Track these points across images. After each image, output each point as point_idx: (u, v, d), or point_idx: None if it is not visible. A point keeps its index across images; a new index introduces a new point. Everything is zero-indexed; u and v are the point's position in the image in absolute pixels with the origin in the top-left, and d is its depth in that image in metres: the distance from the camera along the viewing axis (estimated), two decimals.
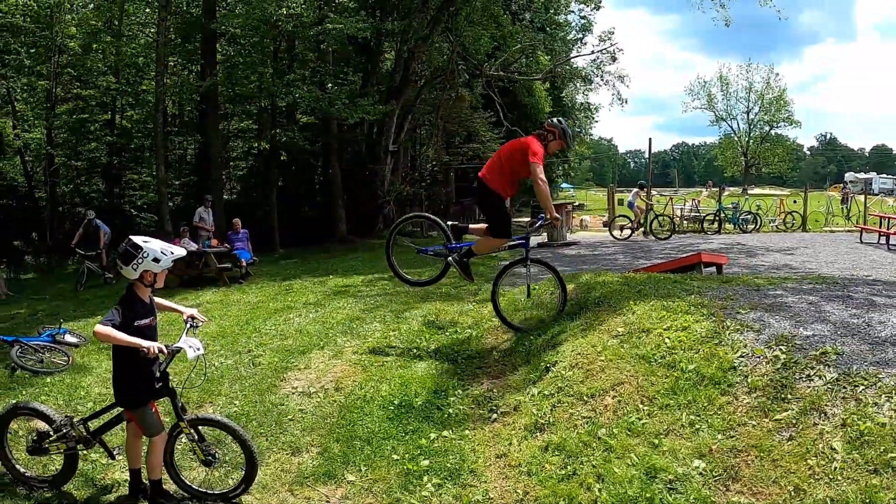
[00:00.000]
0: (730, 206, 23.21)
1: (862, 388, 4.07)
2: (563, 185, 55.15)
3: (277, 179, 25.13)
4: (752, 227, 21.68)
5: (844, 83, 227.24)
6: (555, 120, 6.97)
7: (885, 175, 65.26)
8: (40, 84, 25.85)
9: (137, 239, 4.44)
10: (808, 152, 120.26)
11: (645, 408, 4.70)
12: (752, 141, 79.07)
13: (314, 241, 24.25)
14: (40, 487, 4.77)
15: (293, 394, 6.38)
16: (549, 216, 6.96)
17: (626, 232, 20.79)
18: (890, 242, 15.44)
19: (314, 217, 26.71)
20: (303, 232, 25.63)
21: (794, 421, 4.07)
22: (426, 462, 4.90)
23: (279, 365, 7.17)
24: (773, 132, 79.24)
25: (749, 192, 41.99)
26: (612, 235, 20.76)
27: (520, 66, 29.41)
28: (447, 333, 7.87)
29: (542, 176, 6.54)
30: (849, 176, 60.29)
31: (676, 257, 11.54)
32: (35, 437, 4.80)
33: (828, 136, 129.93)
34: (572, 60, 33.25)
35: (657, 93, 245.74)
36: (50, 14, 22.98)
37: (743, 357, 4.81)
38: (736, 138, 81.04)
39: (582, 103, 48.10)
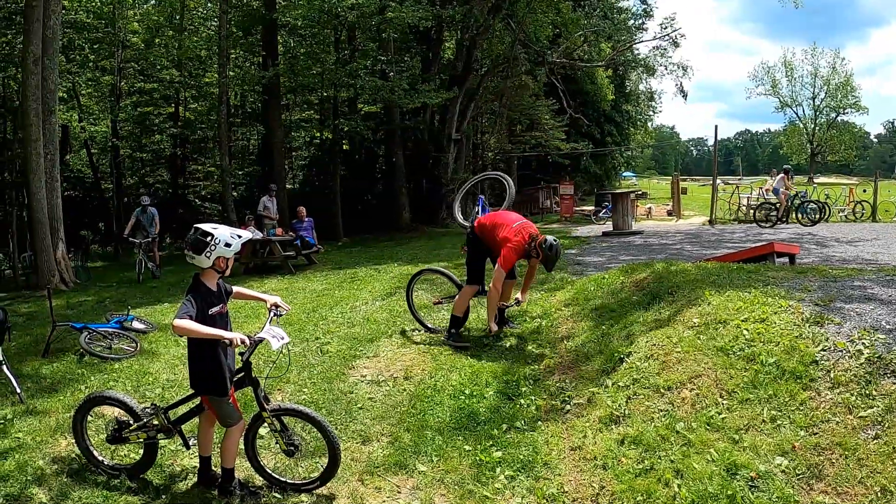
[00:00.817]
0: (797, 194, 22.37)
1: None
2: (625, 173, 54.30)
3: (340, 168, 25.34)
4: (820, 216, 20.81)
5: None
6: (545, 245, 7.02)
7: None
8: (105, 79, 26.56)
9: (205, 226, 4.36)
10: (874, 140, 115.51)
11: (724, 402, 4.56)
12: (818, 128, 76.37)
13: (377, 229, 24.44)
14: (118, 475, 4.74)
15: (362, 382, 6.39)
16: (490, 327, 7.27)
17: (771, 219, 19.91)
18: None
19: (377, 205, 26.93)
20: (365, 220, 25.84)
21: (879, 419, 3.89)
22: (498, 454, 4.83)
23: (347, 353, 7.20)
24: (839, 118, 76.43)
25: (815, 180, 40.43)
26: (758, 224, 19.74)
27: (582, 54, 28.97)
28: (516, 323, 7.80)
29: (499, 284, 6.99)
30: None
31: (748, 247, 11.21)
32: (115, 426, 4.78)
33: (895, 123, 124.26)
34: (634, 47, 32.60)
35: (720, 79, 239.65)
36: (112, 10, 23.57)
37: (824, 351, 4.62)
38: (801, 125, 78.41)
39: (644, 91, 47.14)
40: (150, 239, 15.58)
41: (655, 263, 8.41)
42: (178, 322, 4.06)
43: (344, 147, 28.16)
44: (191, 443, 4.79)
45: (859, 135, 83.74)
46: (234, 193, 29.17)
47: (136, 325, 9.06)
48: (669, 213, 26.95)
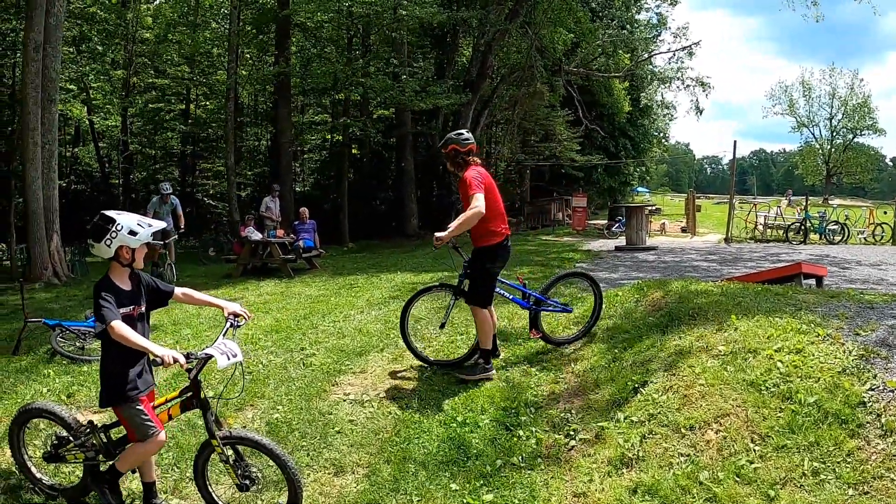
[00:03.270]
0: (816, 214, 21.81)
1: None
2: (639, 188, 53.57)
3: (348, 172, 24.83)
4: (840, 238, 20.24)
5: None
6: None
7: None
8: (116, 73, 26.22)
9: (110, 212, 3.85)
10: (890, 163, 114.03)
11: (756, 448, 3.88)
12: (834, 149, 75.44)
13: (384, 234, 23.99)
14: (55, 497, 4.24)
15: (344, 401, 5.73)
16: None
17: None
18: None
19: (385, 211, 26.48)
20: (373, 225, 25.40)
21: None
22: (489, 496, 4.16)
23: (332, 367, 6.56)
24: (855, 140, 75.46)
25: (830, 201, 39.64)
26: (790, 242, 19.97)
27: (599, 64, 28.37)
28: (520, 341, 7.12)
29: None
30: None
31: (767, 266, 10.54)
32: (56, 442, 4.23)
33: None
34: (651, 59, 32.00)
35: (736, 98, 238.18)
36: (122, 2, 23.21)
37: (873, 391, 3.97)
38: (817, 146, 77.50)
39: (659, 103, 46.50)
40: (175, 237, 13.34)
41: (673, 281, 7.74)
42: (116, 325, 3.58)
43: (353, 151, 27.70)
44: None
45: (875, 157, 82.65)
46: (242, 193, 28.84)
47: None
48: (683, 230, 26.26)
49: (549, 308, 6.81)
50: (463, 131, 6.28)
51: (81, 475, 4.25)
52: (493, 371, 6.12)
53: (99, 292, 3.75)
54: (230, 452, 3.91)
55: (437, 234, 5.91)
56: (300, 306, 9.85)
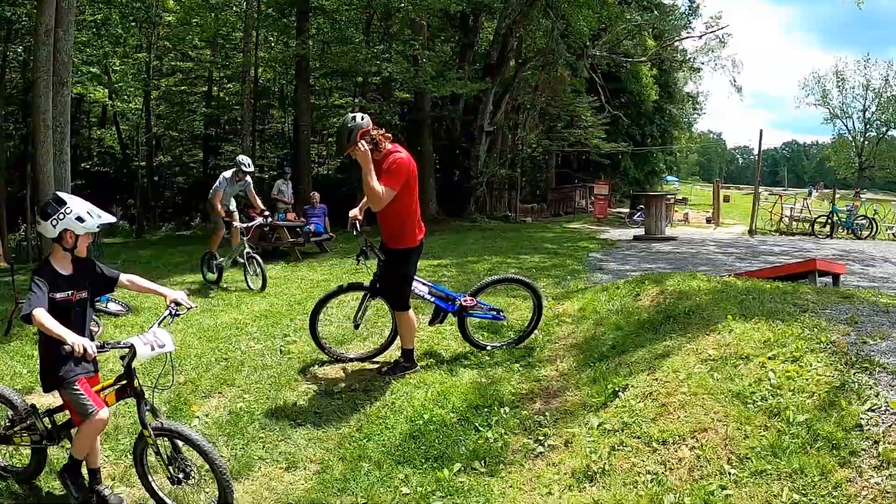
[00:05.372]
0: (844, 208, 21.08)
1: None
2: (668, 177, 52.53)
3: None
4: (868, 233, 19.53)
5: None
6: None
7: None
8: (139, 56, 26.19)
9: (64, 194, 3.83)
10: None
11: (732, 471, 3.44)
12: (867, 142, 73.50)
13: None
14: (5, 478, 4.20)
15: (314, 392, 5.46)
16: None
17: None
18: None
19: None
20: None
21: None
22: (440, 503, 3.85)
23: (309, 356, 6.30)
24: (889, 133, 73.52)
25: (861, 195, 38.43)
26: (816, 235, 19.37)
27: (625, 49, 27.65)
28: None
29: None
30: None
31: (786, 263, 10.03)
32: (7, 424, 4.20)
33: None
34: (680, 44, 31.18)
35: (770, 88, 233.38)
36: None
37: (872, 412, 3.48)
38: (850, 138, 75.57)
39: (689, 93, 45.45)
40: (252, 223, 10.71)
41: (674, 275, 7.32)
42: (36, 314, 3.50)
43: None
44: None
45: None
46: (265, 176, 28.78)
47: (112, 306, 8.32)
48: (708, 221, 25.64)
49: (478, 314, 6.38)
50: (355, 115, 5.58)
51: (30, 458, 4.25)
52: (418, 367, 5.86)
53: (33, 277, 3.73)
54: (167, 444, 3.83)
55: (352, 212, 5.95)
56: (299, 291, 9.66)
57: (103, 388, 3.89)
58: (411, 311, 5.86)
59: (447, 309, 6.21)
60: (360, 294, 6.38)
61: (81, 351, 3.36)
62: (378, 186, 5.24)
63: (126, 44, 25.10)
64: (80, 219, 3.71)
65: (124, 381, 3.81)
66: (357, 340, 6.84)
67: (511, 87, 24.51)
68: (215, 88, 31.00)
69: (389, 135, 5.65)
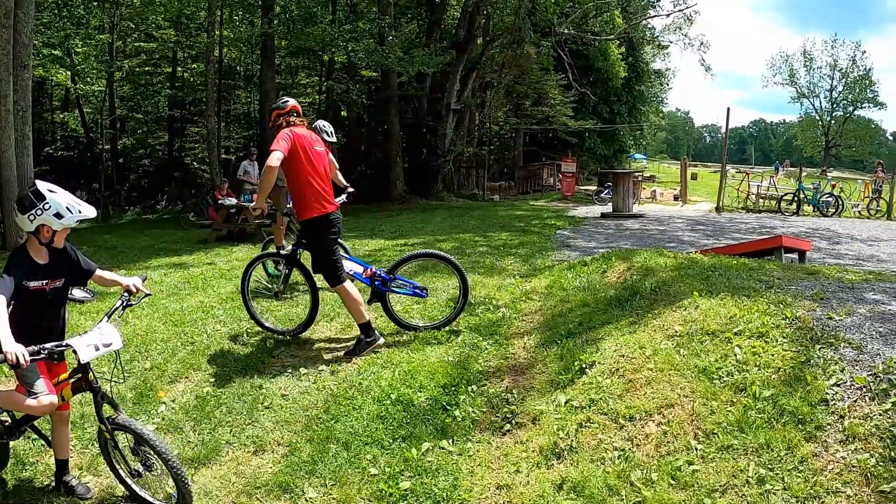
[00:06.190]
0: (810, 186, 21.36)
1: None
2: (636, 155, 52.77)
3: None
4: (834, 210, 19.83)
5: None
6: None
7: None
8: (102, 38, 25.55)
9: (44, 186, 3.64)
10: (889, 137, 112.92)
11: (699, 447, 3.46)
12: (833, 121, 74.76)
13: (370, 199, 23.48)
14: None
15: (281, 374, 5.40)
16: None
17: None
18: None
19: (371, 175, 25.89)
20: (358, 189, 24.76)
21: None
22: (408, 483, 3.81)
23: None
24: (856, 113, 74.81)
25: (827, 173, 39.06)
26: (783, 213, 19.60)
27: (594, 26, 27.61)
28: (477, 312, 6.75)
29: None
30: None
31: (752, 239, 10.13)
32: None
33: None
34: (648, 23, 31.17)
35: (737, 67, 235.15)
36: None
37: (838, 387, 3.50)
38: (817, 117, 76.77)
39: (658, 70, 45.55)
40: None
41: (641, 252, 7.34)
42: None
43: (342, 114, 27.11)
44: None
45: (875, 130, 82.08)
46: (232, 157, 28.34)
47: (77, 293, 8.13)
48: (676, 198, 25.83)
49: (398, 290, 6.30)
50: (283, 97, 6.08)
51: None
52: (381, 338, 5.85)
53: (7, 264, 3.65)
54: (129, 437, 3.78)
55: (252, 204, 5.83)
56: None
57: (59, 381, 3.79)
58: (348, 284, 5.82)
59: (365, 282, 6.23)
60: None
61: (14, 360, 3.23)
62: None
63: (88, 25, 24.50)
64: (58, 215, 3.61)
65: (79, 375, 3.74)
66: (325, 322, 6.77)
67: (478, 64, 24.38)
68: (179, 69, 30.47)
69: (302, 119, 5.94)
